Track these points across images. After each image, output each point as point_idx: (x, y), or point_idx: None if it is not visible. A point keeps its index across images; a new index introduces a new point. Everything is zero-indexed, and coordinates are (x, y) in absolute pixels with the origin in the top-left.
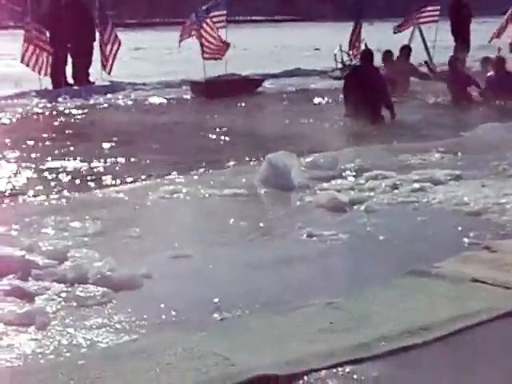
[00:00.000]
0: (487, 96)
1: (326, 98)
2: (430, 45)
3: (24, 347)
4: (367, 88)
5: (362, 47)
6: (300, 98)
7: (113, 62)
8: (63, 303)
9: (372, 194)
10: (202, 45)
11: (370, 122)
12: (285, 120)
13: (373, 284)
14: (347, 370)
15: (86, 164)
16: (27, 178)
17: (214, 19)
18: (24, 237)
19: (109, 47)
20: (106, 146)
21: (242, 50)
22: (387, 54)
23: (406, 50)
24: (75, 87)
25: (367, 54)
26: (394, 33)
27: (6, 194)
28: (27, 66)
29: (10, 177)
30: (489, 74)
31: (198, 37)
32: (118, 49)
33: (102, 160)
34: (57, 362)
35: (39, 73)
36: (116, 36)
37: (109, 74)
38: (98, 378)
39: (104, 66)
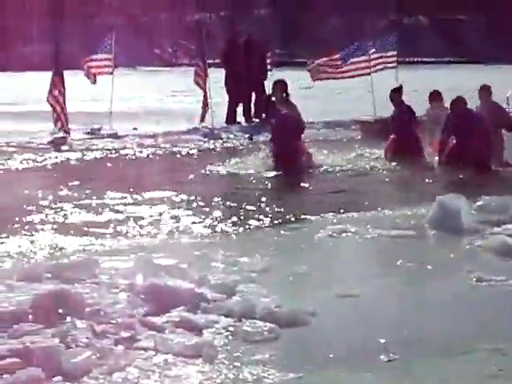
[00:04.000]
0: None
1: None
2: None
3: (191, 379)
4: None
5: None
6: None
7: None
8: (230, 337)
9: None
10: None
11: None
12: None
13: None
14: None
15: (252, 201)
16: (196, 212)
17: (382, 59)
18: (194, 270)
19: None
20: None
21: (413, 91)
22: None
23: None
24: (245, 124)
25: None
26: None
27: (178, 227)
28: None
29: (179, 208)
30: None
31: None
32: None
33: (271, 197)
34: None
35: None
36: None
37: None
38: None
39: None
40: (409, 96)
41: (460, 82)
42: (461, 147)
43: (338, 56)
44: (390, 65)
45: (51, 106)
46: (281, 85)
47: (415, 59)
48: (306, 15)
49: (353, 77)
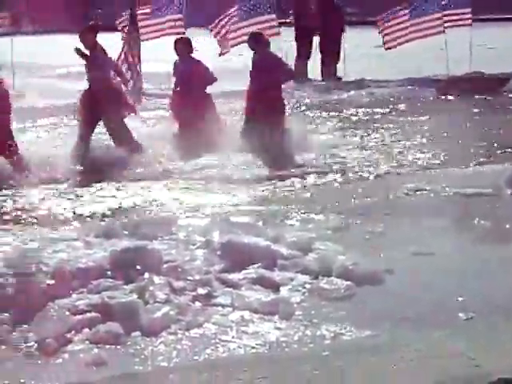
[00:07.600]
0: None
1: None
2: None
3: (268, 335)
4: None
5: None
6: None
7: None
8: (307, 294)
9: None
10: None
11: None
12: None
13: None
14: None
15: (317, 156)
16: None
17: (455, 17)
18: (269, 227)
19: None
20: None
21: (488, 49)
22: None
23: None
24: (318, 82)
25: None
26: None
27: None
28: None
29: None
30: None
31: None
32: None
33: (336, 153)
34: (300, 352)
35: None
36: None
37: None
38: (341, 369)
39: None
40: (486, 54)
41: None
42: None
43: (405, 12)
44: (464, 22)
45: (127, 65)
46: None
47: (491, 16)
48: None
49: (425, 36)
